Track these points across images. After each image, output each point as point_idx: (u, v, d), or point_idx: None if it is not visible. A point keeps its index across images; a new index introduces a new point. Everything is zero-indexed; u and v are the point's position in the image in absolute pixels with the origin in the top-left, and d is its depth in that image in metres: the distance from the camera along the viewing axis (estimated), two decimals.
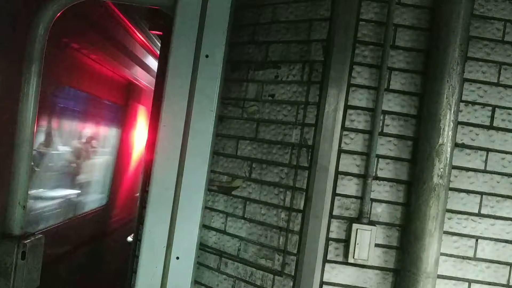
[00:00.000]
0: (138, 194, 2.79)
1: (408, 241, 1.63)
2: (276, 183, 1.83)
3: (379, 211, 1.70)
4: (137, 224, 2.34)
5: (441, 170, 1.58)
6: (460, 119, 1.67)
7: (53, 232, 3.26)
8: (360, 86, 1.72)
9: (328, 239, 1.71)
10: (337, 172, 1.71)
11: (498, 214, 1.68)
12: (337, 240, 1.71)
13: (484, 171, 1.68)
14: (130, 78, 4.81)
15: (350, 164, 1.71)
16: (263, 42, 1.95)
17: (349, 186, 1.71)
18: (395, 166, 1.70)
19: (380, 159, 1.70)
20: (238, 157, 1.96)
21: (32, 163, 1.77)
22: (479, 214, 1.68)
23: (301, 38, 1.83)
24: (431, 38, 1.67)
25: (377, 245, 1.69)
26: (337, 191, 1.71)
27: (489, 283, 1.67)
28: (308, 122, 1.77)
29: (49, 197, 3.44)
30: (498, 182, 1.68)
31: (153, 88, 2.53)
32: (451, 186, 1.66)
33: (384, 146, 1.71)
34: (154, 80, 2.82)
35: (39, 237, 1.80)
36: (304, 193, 1.74)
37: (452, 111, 1.59)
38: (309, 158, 1.74)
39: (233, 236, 1.94)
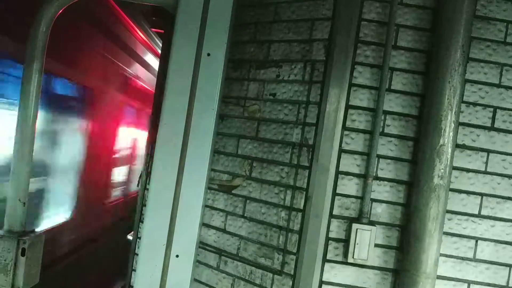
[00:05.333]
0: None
1: (408, 241, 1.63)
2: (277, 182, 1.83)
3: (379, 211, 1.70)
4: (137, 222, 2.34)
5: (442, 170, 1.58)
6: (461, 120, 1.67)
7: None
8: (362, 86, 1.72)
9: (328, 239, 1.71)
10: (338, 172, 1.71)
11: (498, 215, 1.68)
12: (337, 240, 1.71)
13: (485, 172, 1.68)
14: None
15: (350, 164, 1.71)
16: (264, 41, 1.95)
17: (350, 186, 1.71)
18: (395, 167, 1.70)
19: (380, 159, 1.70)
20: (238, 156, 1.96)
21: None
22: (479, 215, 1.68)
23: (302, 37, 1.83)
24: (433, 39, 1.67)
25: (376, 245, 1.69)
26: (337, 191, 1.71)
27: (489, 285, 1.67)
28: (309, 122, 1.77)
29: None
30: (498, 184, 1.68)
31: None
32: (451, 187, 1.66)
33: (384, 146, 1.70)
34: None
35: (39, 234, 1.80)
36: (304, 192, 1.74)
37: (453, 112, 1.59)
38: (310, 157, 1.74)
39: (233, 234, 1.94)
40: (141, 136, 6.16)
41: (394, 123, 1.70)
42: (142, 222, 1.74)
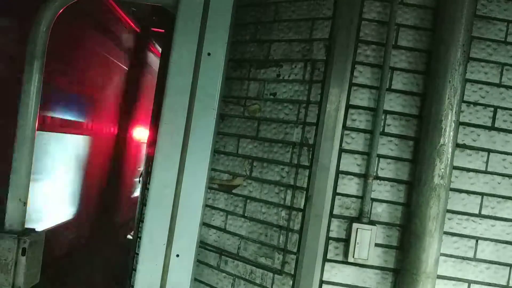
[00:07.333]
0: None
1: (408, 241, 1.63)
2: (277, 182, 1.83)
3: (380, 210, 1.70)
4: (138, 221, 2.34)
5: (442, 170, 1.58)
6: (461, 119, 1.67)
7: None
8: (362, 85, 1.72)
9: (328, 238, 1.71)
10: (338, 172, 1.71)
11: (498, 215, 1.68)
12: (337, 240, 1.71)
13: (485, 172, 1.68)
14: None
15: (351, 163, 1.71)
16: (265, 41, 1.95)
17: (350, 186, 1.71)
18: (396, 166, 1.70)
19: (381, 158, 1.70)
20: (239, 156, 1.96)
21: None
22: (479, 215, 1.68)
23: (303, 37, 1.83)
24: (434, 38, 1.67)
25: (377, 245, 1.69)
26: (338, 191, 1.71)
27: (489, 284, 1.67)
28: (309, 121, 1.77)
29: None
30: (499, 183, 1.68)
31: None
32: (452, 186, 1.66)
33: (385, 146, 1.70)
34: None
35: (39, 233, 1.80)
36: (305, 192, 1.74)
37: (453, 112, 1.59)
38: (310, 157, 1.74)
39: (233, 234, 1.94)
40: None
41: (395, 122, 1.70)
42: (142, 221, 1.74)
